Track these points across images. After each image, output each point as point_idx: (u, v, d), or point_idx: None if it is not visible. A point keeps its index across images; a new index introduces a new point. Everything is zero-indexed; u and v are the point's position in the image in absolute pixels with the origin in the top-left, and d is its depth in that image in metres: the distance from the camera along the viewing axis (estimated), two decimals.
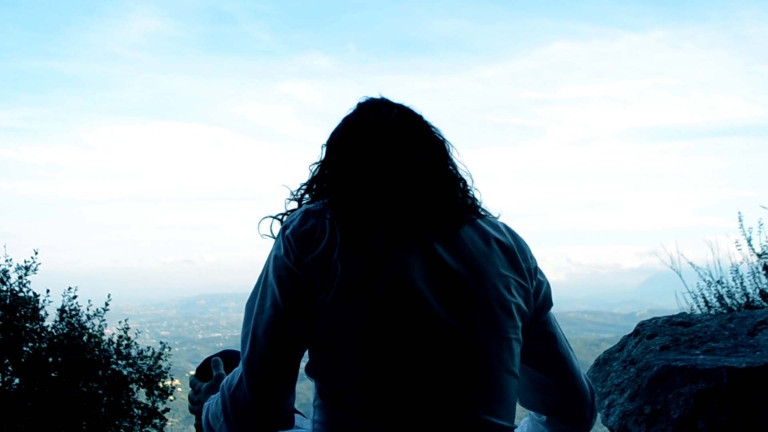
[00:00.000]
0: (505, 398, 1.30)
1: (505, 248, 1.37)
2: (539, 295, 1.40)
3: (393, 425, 1.21)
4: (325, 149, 1.40)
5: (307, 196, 1.40)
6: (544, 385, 1.42)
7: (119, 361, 8.26)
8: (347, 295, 1.22)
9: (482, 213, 1.41)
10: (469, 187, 1.40)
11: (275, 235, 1.34)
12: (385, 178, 1.29)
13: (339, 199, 1.30)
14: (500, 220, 1.45)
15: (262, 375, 1.26)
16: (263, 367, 1.26)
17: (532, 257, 1.42)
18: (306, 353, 1.31)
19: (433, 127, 1.41)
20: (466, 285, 1.28)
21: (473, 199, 1.40)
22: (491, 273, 1.31)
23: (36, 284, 8.00)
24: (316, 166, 1.40)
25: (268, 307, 1.26)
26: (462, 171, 1.40)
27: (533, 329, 1.39)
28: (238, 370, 1.30)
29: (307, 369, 1.32)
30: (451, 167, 1.38)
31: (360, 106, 1.41)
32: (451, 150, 1.41)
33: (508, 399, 1.32)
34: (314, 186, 1.39)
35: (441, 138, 1.40)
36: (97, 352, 8.04)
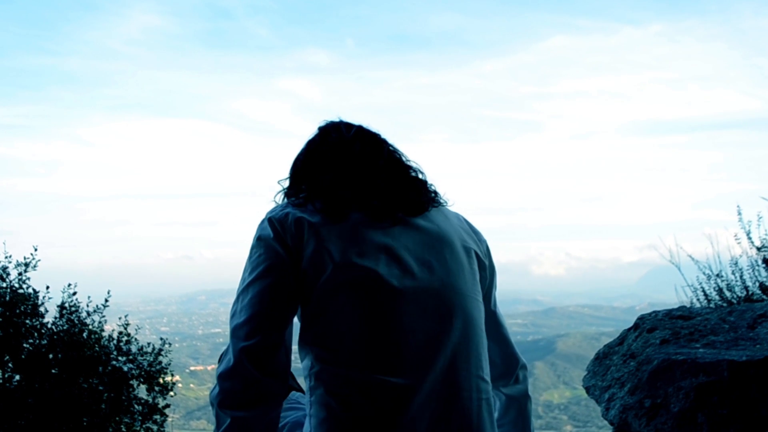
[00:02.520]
0: (484, 353, 1.50)
1: (466, 227, 1.61)
2: (492, 270, 1.65)
3: (389, 373, 1.35)
4: (291, 169, 1.61)
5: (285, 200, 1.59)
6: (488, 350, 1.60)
7: (119, 358, 8.27)
8: (336, 267, 1.38)
9: (442, 202, 1.62)
10: (429, 182, 1.61)
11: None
12: (352, 176, 1.49)
13: (314, 194, 1.48)
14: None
15: (245, 325, 1.39)
16: (246, 318, 1.40)
17: (484, 240, 1.65)
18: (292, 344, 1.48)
19: (389, 141, 1.62)
20: (441, 251, 1.48)
21: (434, 191, 1.60)
22: (459, 243, 1.52)
23: (36, 281, 8.02)
24: (287, 180, 1.62)
25: (256, 275, 1.43)
26: (423, 173, 1.62)
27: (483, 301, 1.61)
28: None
29: (301, 339, 1.45)
30: (409, 167, 1.60)
31: (321, 129, 1.62)
32: (407, 158, 1.62)
33: (485, 354, 1.51)
34: (297, 187, 1.58)
35: (396, 149, 1.61)
36: (97, 349, 8.05)
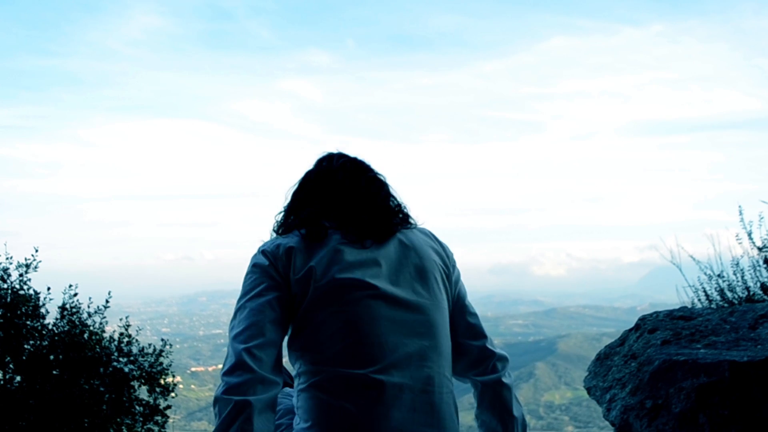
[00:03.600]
0: (448, 356, 1.73)
1: (431, 241, 1.84)
2: (457, 276, 1.88)
3: (369, 370, 1.56)
4: (285, 203, 1.86)
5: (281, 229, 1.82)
6: (463, 348, 1.87)
7: (120, 359, 8.27)
8: (318, 283, 1.61)
9: (412, 224, 1.86)
10: (403, 206, 1.87)
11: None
12: (332, 205, 1.76)
13: (300, 224, 1.73)
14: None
15: (244, 332, 1.58)
16: (244, 327, 1.59)
17: (450, 253, 1.87)
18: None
19: (373, 169, 1.88)
20: (410, 263, 1.74)
21: (406, 214, 1.86)
22: (427, 254, 1.77)
23: (37, 282, 8.02)
24: (283, 207, 1.86)
25: (252, 294, 1.63)
26: (397, 197, 1.88)
27: (454, 305, 1.86)
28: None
29: (289, 347, 1.67)
30: (384, 193, 1.84)
31: (317, 160, 1.90)
32: (387, 184, 1.88)
33: (449, 355, 1.74)
34: (287, 219, 1.83)
35: (376, 177, 1.86)
36: (98, 350, 8.05)
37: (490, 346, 1.93)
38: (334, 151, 1.91)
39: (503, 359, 1.93)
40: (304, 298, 1.61)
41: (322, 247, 1.67)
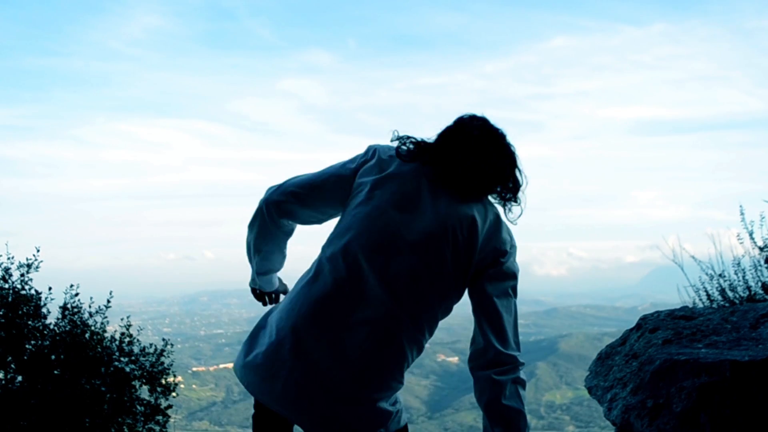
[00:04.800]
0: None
1: (485, 224, 1.81)
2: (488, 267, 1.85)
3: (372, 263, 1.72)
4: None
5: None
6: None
7: (122, 358, 8.26)
8: (380, 186, 1.77)
9: (507, 208, 1.89)
10: (514, 185, 1.87)
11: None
12: (452, 148, 1.79)
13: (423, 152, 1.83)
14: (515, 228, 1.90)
15: (289, 185, 1.89)
16: (293, 182, 1.89)
17: (497, 244, 1.82)
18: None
19: (511, 145, 1.86)
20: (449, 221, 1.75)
21: (510, 194, 1.87)
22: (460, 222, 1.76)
23: (38, 282, 8.00)
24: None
25: (322, 170, 1.88)
26: (520, 177, 1.88)
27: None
28: None
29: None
30: (506, 168, 1.84)
31: (461, 116, 1.88)
32: (516, 159, 1.87)
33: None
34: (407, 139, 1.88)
35: (511, 148, 1.85)
36: (99, 350, 8.04)
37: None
38: (481, 115, 1.90)
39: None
40: (361, 187, 1.82)
41: (410, 167, 1.81)
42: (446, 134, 1.85)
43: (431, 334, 1.83)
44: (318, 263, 1.78)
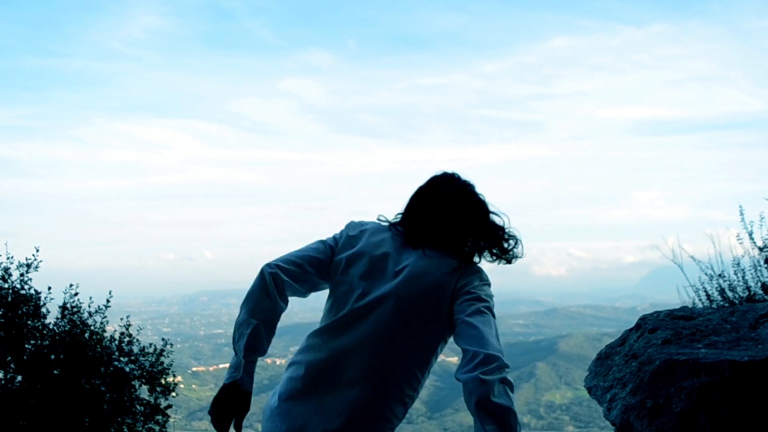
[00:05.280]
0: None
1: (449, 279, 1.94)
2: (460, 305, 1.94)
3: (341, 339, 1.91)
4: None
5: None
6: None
7: (121, 358, 8.26)
8: (352, 262, 1.98)
9: (474, 263, 2.01)
10: (489, 233, 2.01)
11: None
12: (419, 216, 2.02)
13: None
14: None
15: (282, 262, 2.00)
16: (284, 260, 2.01)
17: (465, 287, 1.93)
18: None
19: (478, 194, 2.04)
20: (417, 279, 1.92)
21: (475, 250, 2.01)
22: (429, 283, 1.92)
23: (37, 282, 8.00)
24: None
25: (309, 245, 2.06)
26: (492, 230, 2.01)
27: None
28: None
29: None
30: (476, 224, 2.00)
31: (443, 175, 2.09)
32: (483, 213, 2.01)
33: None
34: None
35: (477, 202, 2.02)
36: (99, 350, 8.05)
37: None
38: (450, 172, 2.08)
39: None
40: (340, 261, 2.01)
41: (378, 236, 2.04)
42: (413, 198, 2.08)
43: (416, 384, 1.93)
44: (310, 338, 2.01)
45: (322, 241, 2.07)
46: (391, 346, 1.88)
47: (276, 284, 1.97)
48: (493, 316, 1.90)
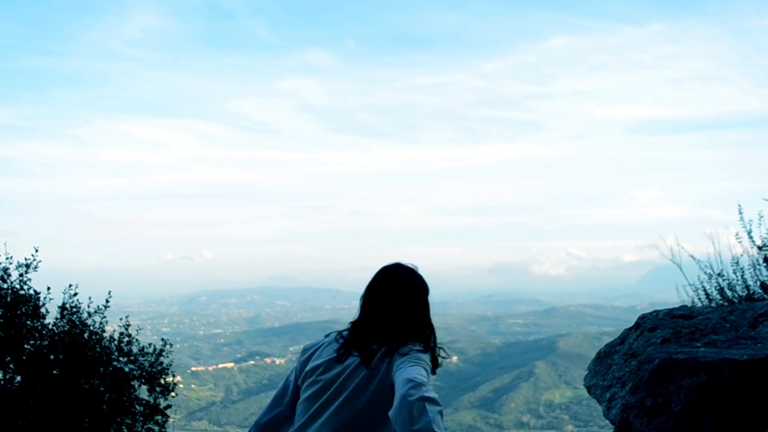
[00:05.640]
0: None
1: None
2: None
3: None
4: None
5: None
6: None
7: (121, 358, 8.26)
8: (308, 376, 2.24)
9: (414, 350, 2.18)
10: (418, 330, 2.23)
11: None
12: (366, 314, 2.28)
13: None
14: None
15: (268, 405, 2.38)
16: (266, 407, 2.39)
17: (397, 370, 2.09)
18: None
19: (413, 285, 2.29)
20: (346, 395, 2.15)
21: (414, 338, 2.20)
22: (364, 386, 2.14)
23: (37, 282, 8.01)
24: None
25: (282, 383, 2.38)
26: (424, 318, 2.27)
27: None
28: None
29: None
30: (411, 315, 2.24)
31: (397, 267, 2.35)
32: (422, 305, 2.27)
33: None
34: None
35: (413, 295, 2.27)
36: (98, 350, 8.05)
37: None
38: (393, 263, 2.33)
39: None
40: (302, 380, 2.29)
41: (325, 351, 2.28)
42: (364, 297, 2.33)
43: None
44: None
45: (287, 378, 2.38)
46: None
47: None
48: (426, 365, 2.08)
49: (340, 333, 2.31)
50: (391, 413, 1.95)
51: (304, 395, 2.24)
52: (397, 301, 2.25)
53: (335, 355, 2.23)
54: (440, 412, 1.91)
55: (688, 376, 2.03)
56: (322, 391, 2.19)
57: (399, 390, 1.95)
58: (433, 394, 1.91)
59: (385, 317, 2.24)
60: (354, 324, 2.30)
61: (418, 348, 2.14)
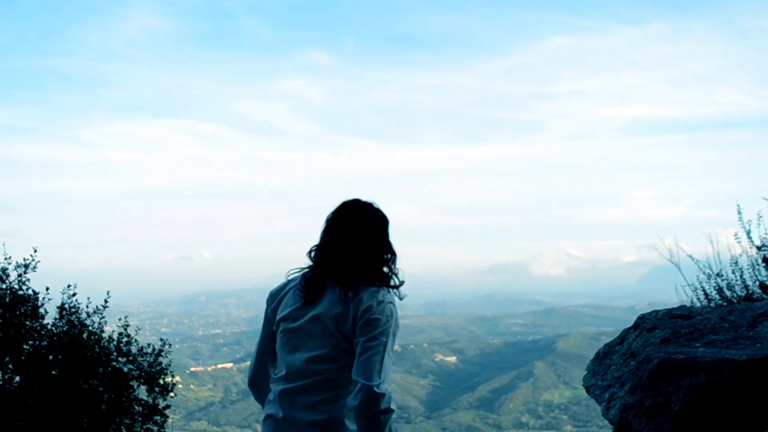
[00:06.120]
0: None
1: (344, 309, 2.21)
2: (362, 327, 2.19)
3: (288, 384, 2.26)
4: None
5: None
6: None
7: (119, 359, 8.26)
8: (276, 323, 2.32)
9: (386, 284, 2.26)
10: (381, 263, 2.27)
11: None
12: (323, 252, 2.29)
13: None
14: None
15: (252, 363, 2.48)
16: (253, 360, 2.47)
17: (361, 311, 2.17)
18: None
19: (372, 219, 2.29)
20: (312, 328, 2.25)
21: (380, 273, 2.27)
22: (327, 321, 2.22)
23: (35, 282, 7.99)
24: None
25: (258, 337, 2.46)
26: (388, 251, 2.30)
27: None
28: None
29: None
30: (370, 248, 2.26)
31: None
32: (377, 237, 2.28)
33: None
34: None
35: (372, 228, 2.28)
36: (97, 350, 8.04)
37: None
38: (353, 198, 2.34)
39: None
40: (277, 324, 2.35)
41: (294, 290, 2.32)
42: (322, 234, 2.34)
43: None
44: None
45: (261, 331, 2.43)
46: (322, 366, 2.23)
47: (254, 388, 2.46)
48: (387, 337, 2.14)
49: (303, 275, 2.31)
50: (348, 403, 2.10)
51: (278, 346, 2.30)
52: (354, 236, 2.25)
53: (300, 303, 2.26)
54: (391, 417, 2.07)
55: (687, 376, 2.03)
56: (293, 340, 2.24)
57: (353, 396, 2.07)
58: (384, 404, 2.04)
59: (343, 255, 2.24)
60: (314, 265, 2.30)
61: (380, 300, 2.17)
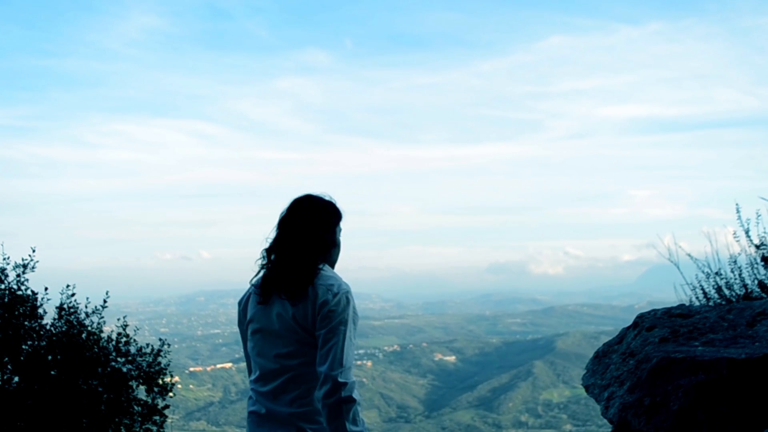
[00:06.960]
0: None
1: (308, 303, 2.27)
2: (324, 320, 2.25)
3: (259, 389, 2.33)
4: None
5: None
6: None
7: (118, 359, 8.25)
8: (246, 328, 2.44)
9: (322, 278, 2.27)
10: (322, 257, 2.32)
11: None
12: (275, 250, 2.35)
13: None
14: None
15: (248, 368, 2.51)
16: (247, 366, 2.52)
17: (324, 306, 2.23)
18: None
19: (318, 213, 2.33)
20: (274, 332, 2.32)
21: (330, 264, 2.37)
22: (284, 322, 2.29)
23: (34, 282, 7.97)
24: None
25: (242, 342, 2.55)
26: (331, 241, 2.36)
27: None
28: None
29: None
30: (319, 241, 2.31)
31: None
32: (324, 229, 2.33)
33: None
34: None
35: (319, 222, 2.32)
36: (96, 350, 8.03)
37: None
38: (305, 193, 2.39)
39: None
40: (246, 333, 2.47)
41: (249, 300, 2.45)
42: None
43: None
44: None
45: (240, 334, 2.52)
46: (287, 359, 2.32)
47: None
48: (347, 326, 2.19)
49: (263, 276, 2.36)
50: (315, 395, 2.17)
51: (249, 349, 2.39)
52: (303, 232, 2.29)
53: (260, 305, 2.33)
54: (357, 408, 2.11)
55: (686, 375, 2.03)
56: (260, 341, 2.33)
57: (318, 387, 2.13)
58: (345, 393, 2.08)
59: (294, 252, 2.29)
60: (268, 264, 2.35)
61: (343, 310, 2.20)
